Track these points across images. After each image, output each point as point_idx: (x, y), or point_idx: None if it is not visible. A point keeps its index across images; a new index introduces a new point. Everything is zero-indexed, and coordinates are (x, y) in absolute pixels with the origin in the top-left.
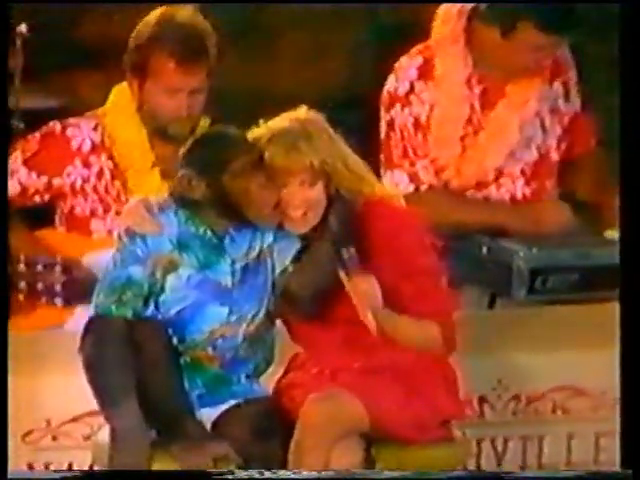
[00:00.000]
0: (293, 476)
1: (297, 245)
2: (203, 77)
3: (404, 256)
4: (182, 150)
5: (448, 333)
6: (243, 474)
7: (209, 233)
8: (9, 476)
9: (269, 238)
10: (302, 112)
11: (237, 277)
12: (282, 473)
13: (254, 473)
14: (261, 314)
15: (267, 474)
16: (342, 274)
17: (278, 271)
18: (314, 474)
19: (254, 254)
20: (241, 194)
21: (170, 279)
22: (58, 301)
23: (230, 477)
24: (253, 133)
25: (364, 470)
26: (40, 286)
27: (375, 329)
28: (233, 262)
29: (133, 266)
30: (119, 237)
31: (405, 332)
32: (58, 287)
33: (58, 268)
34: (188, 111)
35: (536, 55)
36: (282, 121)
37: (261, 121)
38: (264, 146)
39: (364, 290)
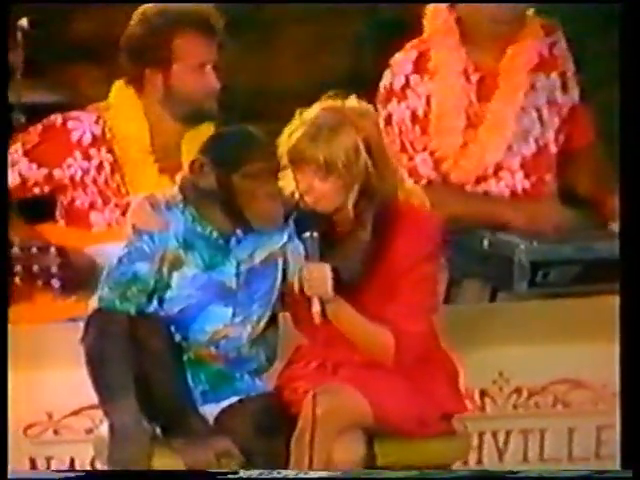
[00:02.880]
0: (297, 476)
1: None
2: (217, 53)
3: (407, 259)
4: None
5: (403, 351)
6: (247, 474)
7: (215, 234)
8: (9, 476)
9: (282, 238)
10: (350, 103)
11: (242, 279)
12: (286, 473)
13: (258, 473)
14: (266, 316)
15: (272, 474)
16: (302, 257)
17: (297, 268)
18: (319, 474)
19: (262, 257)
20: (246, 197)
21: (176, 276)
22: (55, 283)
23: (234, 477)
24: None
25: (369, 470)
26: (36, 268)
27: (319, 318)
28: (238, 264)
29: (139, 262)
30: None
31: (353, 328)
32: (54, 269)
33: (53, 250)
34: (217, 84)
35: (500, 27)
36: (320, 109)
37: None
38: (295, 129)
39: (314, 277)
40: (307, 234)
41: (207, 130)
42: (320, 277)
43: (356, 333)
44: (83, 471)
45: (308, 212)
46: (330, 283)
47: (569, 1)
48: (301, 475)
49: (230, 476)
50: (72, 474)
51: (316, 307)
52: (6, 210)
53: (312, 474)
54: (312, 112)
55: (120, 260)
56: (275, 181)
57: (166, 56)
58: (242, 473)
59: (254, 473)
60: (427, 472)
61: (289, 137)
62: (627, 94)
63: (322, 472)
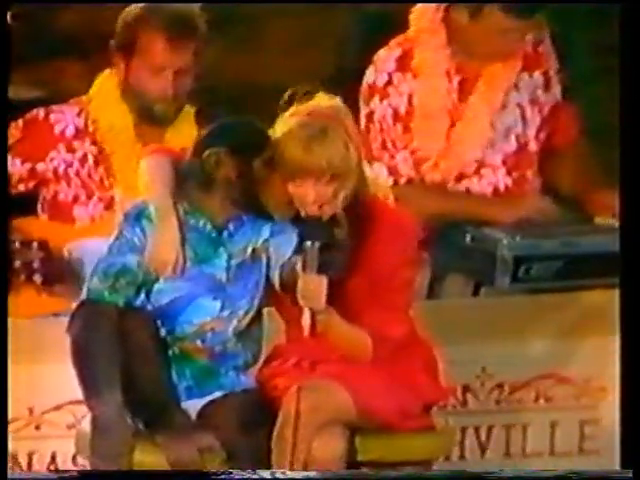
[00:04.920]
0: (286, 476)
1: (296, 238)
2: (190, 57)
3: (388, 265)
4: (206, 129)
5: (379, 351)
6: (235, 474)
7: (209, 226)
8: (9, 476)
9: (265, 234)
10: (321, 100)
11: (232, 273)
12: (279, 473)
13: (245, 473)
14: (252, 312)
15: (264, 474)
16: (299, 265)
17: (279, 264)
18: (306, 474)
19: (250, 251)
20: (264, 183)
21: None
22: (37, 278)
23: (221, 477)
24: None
25: (355, 470)
26: (17, 264)
27: (309, 330)
28: (229, 257)
29: (129, 254)
30: (118, 224)
31: (339, 336)
32: (36, 264)
33: (35, 245)
34: (174, 91)
35: (505, 39)
36: (300, 115)
37: (283, 113)
38: (282, 142)
39: (310, 289)
40: (308, 243)
41: (189, 123)
42: (315, 290)
43: (341, 340)
44: (83, 471)
45: (311, 220)
46: (324, 296)
47: (569, 1)
48: (289, 475)
49: (217, 477)
50: (72, 474)
51: (306, 320)
52: (6, 206)
53: (299, 474)
54: (291, 120)
55: (110, 250)
56: (281, 166)
57: (130, 47)
58: (234, 474)
59: (242, 474)
60: (423, 473)
61: (279, 151)
62: (627, 91)
63: (310, 472)
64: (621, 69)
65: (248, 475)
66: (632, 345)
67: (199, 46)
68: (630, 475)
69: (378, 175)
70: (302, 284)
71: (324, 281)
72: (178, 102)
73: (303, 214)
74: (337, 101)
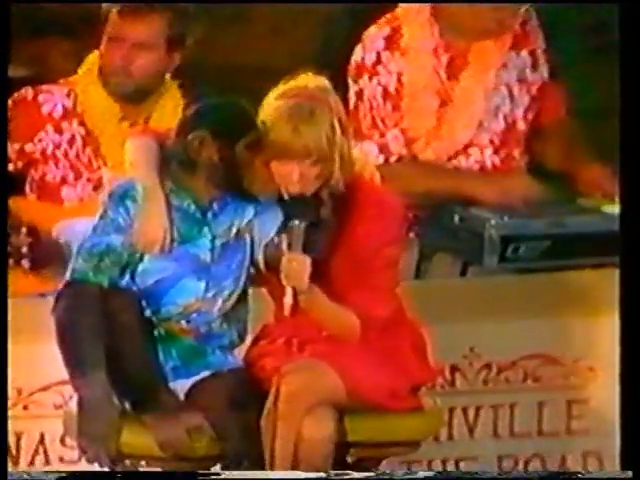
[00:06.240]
0: (284, 476)
1: (280, 217)
2: (153, 32)
3: (372, 244)
4: (190, 110)
5: (368, 333)
6: (232, 475)
7: (193, 207)
8: (9, 477)
9: (249, 214)
10: (308, 80)
11: (217, 253)
12: (272, 474)
13: (240, 474)
14: (237, 292)
15: (256, 474)
16: (284, 244)
17: (263, 244)
18: (304, 474)
19: (234, 231)
20: (247, 166)
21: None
22: (25, 263)
23: (215, 478)
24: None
25: (368, 473)
26: (7, 248)
27: (290, 310)
28: (214, 238)
29: (114, 234)
30: (102, 204)
31: (324, 316)
32: (24, 249)
33: (24, 230)
34: (125, 62)
35: (496, 17)
36: (287, 96)
37: (269, 93)
38: (269, 123)
39: (293, 268)
40: (295, 222)
41: (173, 102)
42: (299, 269)
43: (326, 319)
44: (83, 471)
45: (297, 199)
46: (307, 275)
47: (569, 1)
48: (286, 476)
49: (217, 477)
50: (71, 474)
51: (289, 298)
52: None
53: (297, 474)
54: (278, 101)
55: (94, 230)
56: (267, 147)
57: (103, 28)
58: (227, 474)
59: (239, 474)
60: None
61: (265, 131)
62: (626, 73)
63: (309, 473)
64: (621, 65)
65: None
66: (629, 327)
67: (168, 25)
68: (630, 476)
69: (368, 153)
70: (286, 263)
71: (308, 260)
72: (136, 78)
73: (286, 194)
74: (324, 81)
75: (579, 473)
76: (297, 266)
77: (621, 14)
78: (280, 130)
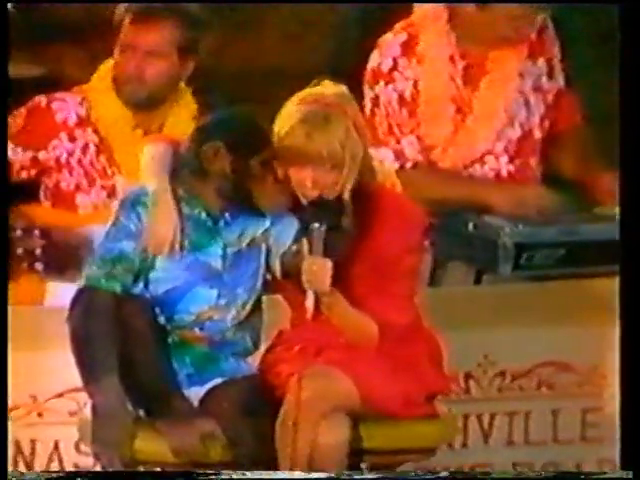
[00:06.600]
0: (284, 477)
1: (296, 226)
2: (165, 40)
3: (393, 252)
4: (206, 119)
5: (384, 338)
6: (233, 475)
7: (204, 215)
8: (9, 477)
9: (265, 223)
10: (327, 88)
11: (228, 261)
12: (274, 474)
13: (241, 474)
14: (251, 301)
15: (255, 474)
16: (305, 247)
17: (280, 252)
18: (304, 474)
19: (247, 240)
20: (259, 181)
21: (161, 257)
22: (38, 266)
23: (215, 478)
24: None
25: (366, 475)
26: (20, 251)
27: (312, 313)
28: (225, 246)
29: (125, 240)
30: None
31: (344, 320)
32: (38, 252)
33: (37, 233)
34: (138, 70)
35: (513, 25)
36: (304, 103)
37: (288, 99)
38: (284, 130)
39: (314, 271)
40: (315, 225)
41: (187, 110)
42: (320, 272)
43: (346, 325)
44: (83, 472)
45: (316, 203)
46: (329, 278)
47: (569, 1)
48: (289, 476)
49: (216, 477)
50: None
51: (310, 302)
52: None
53: (300, 475)
54: (295, 107)
55: (106, 237)
56: (279, 164)
57: (116, 36)
58: (225, 474)
59: (240, 474)
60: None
61: (281, 137)
62: (626, 79)
63: (312, 474)
64: (621, 66)
65: (250, 475)
66: (632, 335)
67: (180, 34)
68: (630, 476)
69: (384, 160)
70: (307, 266)
71: (329, 263)
72: (149, 86)
73: (304, 199)
74: (342, 88)
75: (579, 473)
76: (318, 269)
77: (621, 14)
78: (294, 136)
